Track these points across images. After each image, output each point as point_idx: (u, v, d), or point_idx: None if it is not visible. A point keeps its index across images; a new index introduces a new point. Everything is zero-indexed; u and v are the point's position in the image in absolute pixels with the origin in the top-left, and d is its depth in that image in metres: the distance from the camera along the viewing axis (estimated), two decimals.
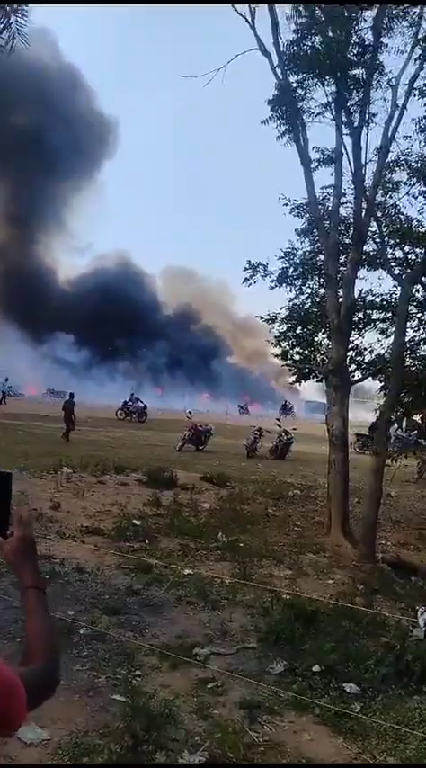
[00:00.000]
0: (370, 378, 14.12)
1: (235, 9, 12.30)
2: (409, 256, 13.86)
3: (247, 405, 53.14)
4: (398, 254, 14.04)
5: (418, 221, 13.65)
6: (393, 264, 13.75)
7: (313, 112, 11.46)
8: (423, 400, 13.57)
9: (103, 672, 5.70)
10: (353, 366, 14.15)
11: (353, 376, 13.62)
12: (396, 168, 13.27)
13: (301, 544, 10.90)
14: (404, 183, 13.42)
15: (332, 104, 11.09)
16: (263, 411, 52.74)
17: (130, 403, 36.06)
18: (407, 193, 13.48)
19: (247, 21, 12.29)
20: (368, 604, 7.86)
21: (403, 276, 13.03)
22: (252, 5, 12.17)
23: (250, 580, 8.31)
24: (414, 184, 13.35)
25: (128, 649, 6.11)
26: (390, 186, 13.48)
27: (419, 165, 13.00)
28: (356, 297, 13.00)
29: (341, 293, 12.64)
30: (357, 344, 14.43)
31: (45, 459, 15.48)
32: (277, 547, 10.57)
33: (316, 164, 12.43)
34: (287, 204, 14.44)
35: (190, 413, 24.44)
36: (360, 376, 13.56)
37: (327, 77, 10.46)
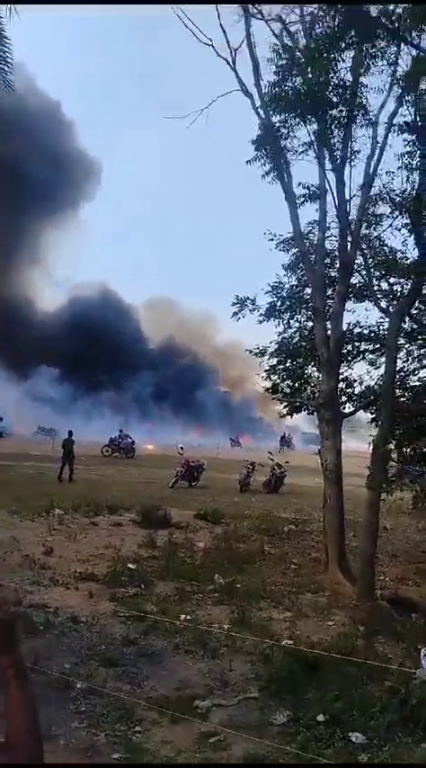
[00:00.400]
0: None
1: (216, 52, 12.59)
2: (394, 288, 14.01)
3: (238, 438, 52.82)
4: (384, 285, 14.18)
5: (402, 253, 13.80)
6: (379, 296, 13.88)
7: (296, 151, 11.66)
8: (415, 432, 13.55)
9: (102, 728, 5.52)
10: (344, 398, 14.17)
11: (344, 408, 13.62)
12: (379, 202, 13.46)
13: (299, 583, 10.73)
14: (387, 216, 13.60)
15: (315, 143, 11.28)
16: (255, 443, 52.46)
17: (119, 439, 35.57)
18: (390, 226, 13.65)
19: (228, 63, 12.60)
20: (370, 647, 7.71)
21: (391, 308, 13.14)
22: (234, 50, 12.50)
23: (249, 625, 8.15)
24: (397, 217, 13.52)
25: (127, 704, 5.93)
26: (374, 219, 13.65)
27: (400, 198, 13.19)
28: (344, 329, 13.04)
29: (329, 326, 12.70)
30: (347, 376, 14.49)
31: (37, 500, 15.25)
32: (275, 587, 10.40)
33: (302, 199, 12.57)
34: (272, 239, 14.62)
35: (181, 448, 24.28)
36: (352, 408, 13.53)
37: (309, 117, 10.65)
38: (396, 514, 17.53)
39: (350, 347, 14.27)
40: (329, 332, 12.61)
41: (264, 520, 16.55)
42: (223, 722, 5.75)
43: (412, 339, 14.18)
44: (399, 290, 13.91)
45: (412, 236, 13.15)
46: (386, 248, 13.96)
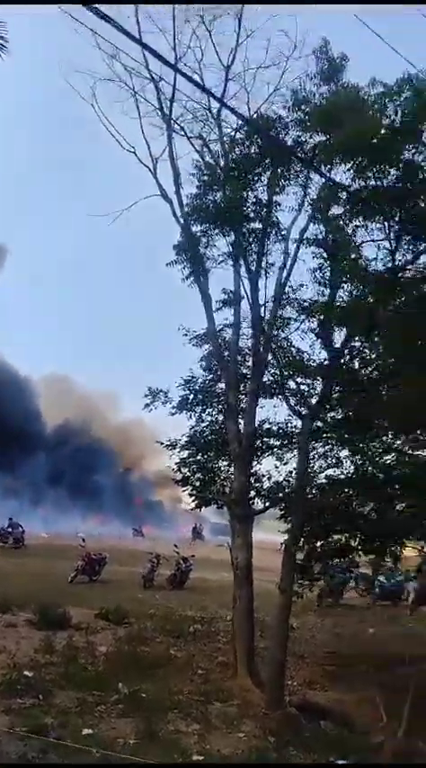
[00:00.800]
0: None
1: (138, 158, 13.20)
2: (301, 387, 14.57)
3: (141, 527, 51.31)
4: (292, 384, 14.72)
5: (308, 355, 14.43)
6: (287, 394, 14.40)
7: (216, 259, 12.26)
8: (322, 529, 13.73)
9: None
10: (253, 492, 14.25)
11: (253, 503, 13.67)
12: (288, 306, 14.17)
13: (207, 691, 10.29)
14: (294, 320, 14.28)
15: (232, 253, 11.95)
16: (159, 532, 51.11)
17: (9, 529, 32.73)
18: (297, 329, 14.30)
19: (150, 170, 13.23)
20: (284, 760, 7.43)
21: (299, 408, 13.64)
22: (155, 159, 13.17)
23: (156, 739, 7.67)
24: (303, 321, 14.24)
25: None
26: (282, 322, 14.31)
27: (308, 304, 13.95)
28: (256, 426, 13.32)
29: (241, 422, 12.95)
30: (255, 471, 14.65)
31: None
32: (182, 696, 9.91)
33: (220, 304, 13.08)
34: (186, 335, 14.92)
35: (83, 540, 23.25)
36: (262, 505, 13.58)
37: (227, 229, 11.31)
38: (300, 613, 17.42)
39: (259, 442, 14.54)
40: (241, 428, 12.86)
41: (169, 619, 15.93)
42: None
43: (317, 437, 14.66)
44: (305, 389, 14.56)
45: (319, 340, 13.91)
46: (293, 349, 14.62)
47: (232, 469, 14.72)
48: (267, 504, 13.33)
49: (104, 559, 22.22)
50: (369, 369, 14.16)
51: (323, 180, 11.78)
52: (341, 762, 7.33)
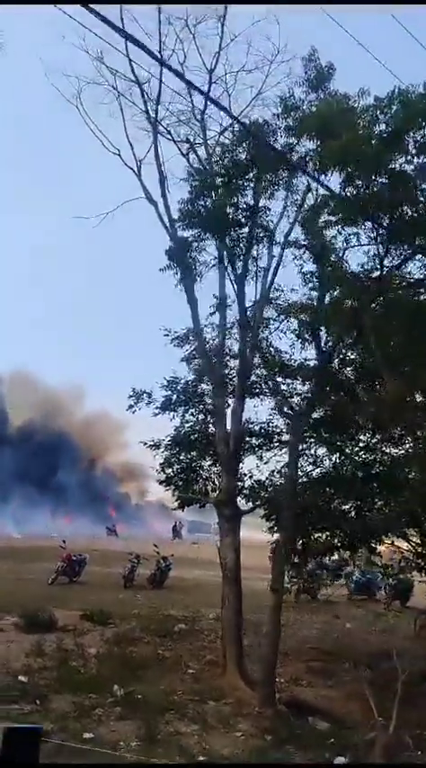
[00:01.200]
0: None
1: (123, 161, 13.20)
2: (284, 387, 14.80)
3: (114, 526, 51.13)
4: (277, 384, 14.92)
5: (289, 355, 14.62)
6: (267, 393, 14.64)
7: (207, 264, 12.37)
8: (306, 528, 13.96)
9: None
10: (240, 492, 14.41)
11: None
12: (272, 308, 14.36)
13: (199, 690, 10.43)
14: (280, 321, 14.47)
15: (224, 257, 12.08)
16: (129, 530, 50.94)
17: None
18: (281, 330, 14.49)
19: (134, 172, 13.24)
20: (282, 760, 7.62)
21: (284, 408, 13.87)
22: (139, 160, 13.18)
23: (158, 741, 7.78)
24: (287, 322, 14.44)
25: None
26: (268, 323, 14.49)
27: (292, 306, 14.16)
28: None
29: (228, 423, 13.11)
30: (237, 469, 14.81)
31: None
32: (176, 696, 10.03)
33: (212, 309, 13.20)
34: (167, 335, 14.97)
35: (64, 542, 23.13)
36: (248, 505, 13.71)
37: (216, 234, 11.43)
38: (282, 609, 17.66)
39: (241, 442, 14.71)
40: (228, 429, 13.01)
41: (153, 619, 16.02)
42: None
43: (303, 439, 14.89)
44: (285, 388, 14.81)
45: (301, 341, 14.14)
46: (274, 350, 14.79)
47: (215, 469, 14.96)
48: (256, 503, 13.44)
49: (84, 560, 22.20)
50: (349, 369, 14.50)
51: (308, 184, 12.14)
52: (338, 761, 7.52)
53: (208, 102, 12.38)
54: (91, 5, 5.84)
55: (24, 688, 9.38)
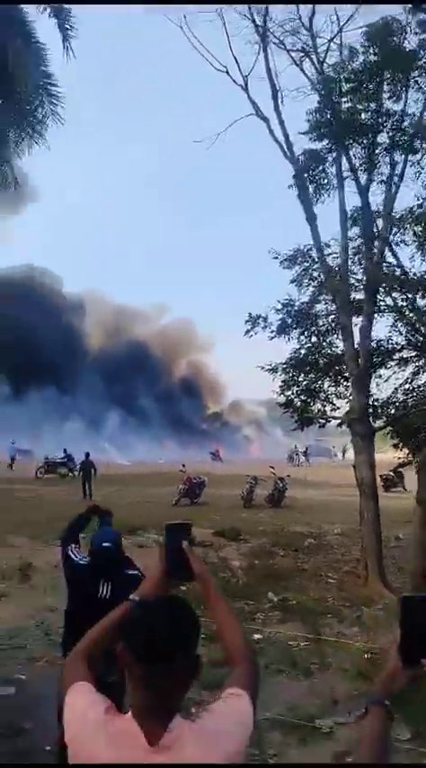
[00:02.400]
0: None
1: (231, 78, 12.85)
2: (397, 302, 14.38)
3: (218, 451, 52.75)
4: (388, 301, 14.52)
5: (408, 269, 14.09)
6: (384, 310, 14.29)
7: (342, 176, 11.99)
8: None
9: None
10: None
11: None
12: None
13: (347, 598, 10.84)
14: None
15: (358, 168, 11.69)
16: (231, 456, 52.34)
17: (64, 458, 32.44)
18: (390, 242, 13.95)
19: (243, 88, 12.88)
20: None
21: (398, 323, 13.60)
22: (245, 76, 12.75)
23: (325, 642, 8.22)
24: (396, 234, 13.86)
25: None
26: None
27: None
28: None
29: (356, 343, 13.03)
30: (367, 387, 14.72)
31: (55, 523, 14.93)
32: (327, 602, 10.49)
33: (350, 222, 12.85)
34: (277, 257, 14.81)
35: (183, 466, 24.19)
36: (380, 423, 13.68)
37: (350, 143, 11.02)
38: (404, 524, 17.80)
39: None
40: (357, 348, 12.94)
41: (281, 535, 16.64)
42: (350, 741, 5.79)
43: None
44: (402, 304, 14.38)
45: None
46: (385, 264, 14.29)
47: (333, 389, 14.99)
48: (389, 420, 13.43)
49: (204, 482, 23.17)
50: None
51: None
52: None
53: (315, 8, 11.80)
54: None
55: (185, 596, 10.04)
